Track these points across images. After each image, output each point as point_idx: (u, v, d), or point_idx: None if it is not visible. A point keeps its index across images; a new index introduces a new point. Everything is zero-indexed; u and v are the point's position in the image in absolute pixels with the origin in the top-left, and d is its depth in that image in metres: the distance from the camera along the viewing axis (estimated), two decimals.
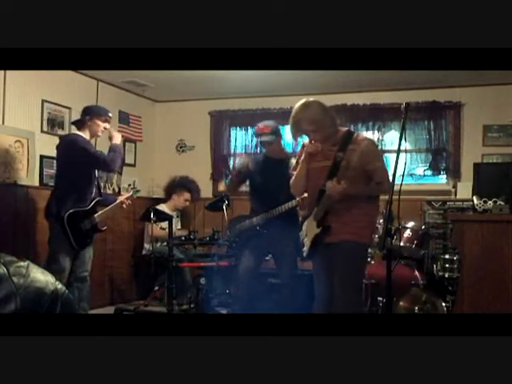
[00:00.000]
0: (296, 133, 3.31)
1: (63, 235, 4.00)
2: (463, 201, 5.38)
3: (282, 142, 4.50)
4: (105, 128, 4.26)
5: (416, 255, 4.94)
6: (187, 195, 6.03)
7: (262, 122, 4.40)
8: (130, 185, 6.47)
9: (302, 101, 3.26)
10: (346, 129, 3.36)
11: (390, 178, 2.87)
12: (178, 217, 6.18)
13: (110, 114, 4.32)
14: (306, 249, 3.32)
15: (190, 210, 6.53)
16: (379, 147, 5.16)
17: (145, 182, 6.65)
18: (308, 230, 3.30)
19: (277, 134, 4.26)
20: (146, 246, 5.85)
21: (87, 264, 4.22)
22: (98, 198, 4.23)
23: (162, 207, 5.81)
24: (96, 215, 4.19)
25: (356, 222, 3.16)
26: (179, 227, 6.16)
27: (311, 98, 3.30)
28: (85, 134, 4.17)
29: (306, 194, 3.76)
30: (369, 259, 4.83)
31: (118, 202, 4.35)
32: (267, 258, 4.65)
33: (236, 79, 5.77)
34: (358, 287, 3.29)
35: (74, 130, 4.32)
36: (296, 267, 4.34)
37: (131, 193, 4.50)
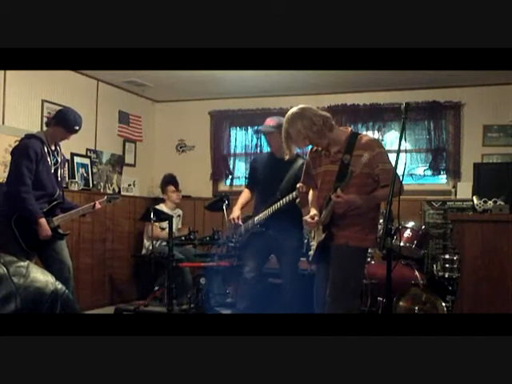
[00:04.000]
0: (289, 147, 3.24)
1: (12, 237, 3.83)
2: (463, 201, 5.38)
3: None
4: (66, 138, 4.05)
5: (416, 255, 4.94)
6: (171, 187, 6.19)
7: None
8: (129, 185, 6.48)
9: (288, 114, 3.19)
10: (349, 129, 3.30)
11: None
12: (179, 216, 6.21)
13: (77, 128, 4.01)
14: (311, 253, 3.31)
15: (190, 210, 6.55)
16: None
17: (145, 182, 6.66)
18: (315, 234, 3.29)
19: (279, 128, 4.20)
20: (146, 244, 5.88)
21: (67, 264, 4.00)
22: (58, 201, 4.03)
23: (161, 207, 5.87)
24: (55, 218, 3.98)
25: (354, 225, 3.14)
26: (180, 226, 6.19)
27: (296, 109, 3.18)
28: (47, 134, 4.00)
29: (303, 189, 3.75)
30: (369, 259, 4.83)
31: (87, 205, 4.18)
32: (271, 256, 4.60)
33: (236, 79, 5.77)
34: (354, 291, 3.25)
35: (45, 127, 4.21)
36: (297, 266, 4.32)
37: (105, 198, 4.30)
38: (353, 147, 3.11)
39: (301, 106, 3.22)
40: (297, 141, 3.17)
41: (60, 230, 4.06)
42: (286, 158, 3.60)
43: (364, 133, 6.00)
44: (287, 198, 3.95)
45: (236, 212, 4.35)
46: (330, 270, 3.17)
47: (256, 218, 4.22)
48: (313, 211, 3.31)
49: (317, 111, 3.19)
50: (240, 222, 4.31)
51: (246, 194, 4.50)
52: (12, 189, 3.86)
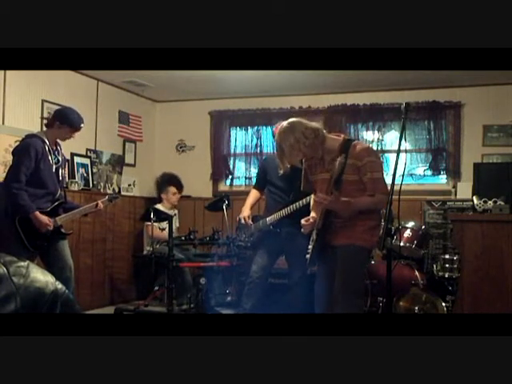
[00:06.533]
0: (282, 161, 3.22)
1: (16, 236, 3.84)
2: (463, 201, 5.39)
3: None
4: (72, 137, 4.07)
5: (416, 255, 4.94)
6: (173, 189, 6.17)
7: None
8: (129, 185, 6.48)
9: (279, 128, 3.19)
10: (342, 136, 3.28)
11: (390, 180, 2.85)
12: (175, 215, 6.21)
13: (82, 125, 4.08)
14: (308, 256, 3.32)
15: (190, 209, 6.55)
16: (378, 151, 5.10)
17: (145, 182, 6.66)
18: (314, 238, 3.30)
19: None
20: (147, 247, 5.87)
21: (69, 263, 4.03)
22: (60, 201, 4.05)
23: (159, 207, 5.85)
24: (58, 218, 3.99)
25: (359, 226, 3.15)
26: (178, 225, 6.19)
27: (286, 123, 3.17)
28: (49, 134, 4.02)
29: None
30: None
31: (90, 205, 4.20)
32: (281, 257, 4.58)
33: (236, 79, 5.77)
34: (358, 291, 3.26)
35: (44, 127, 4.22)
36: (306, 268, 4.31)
37: (106, 197, 4.31)
38: (346, 154, 3.11)
39: (291, 119, 3.21)
40: (290, 155, 3.14)
41: (63, 230, 4.09)
42: (281, 172, 3.60)
43: (364, 133, 6.04)
44: (302, 201, 3.92)
45: (246, 211, 4.33)
46: (333, 270, 3.18)
47: (269, 219, 4.21)
48: (312, 214, 3.33)
49: (307, 124, 3.16)
50: (250, 222, 4.29)
51: (254, 194, 4.47)
52: (5, 186, 3.90)
